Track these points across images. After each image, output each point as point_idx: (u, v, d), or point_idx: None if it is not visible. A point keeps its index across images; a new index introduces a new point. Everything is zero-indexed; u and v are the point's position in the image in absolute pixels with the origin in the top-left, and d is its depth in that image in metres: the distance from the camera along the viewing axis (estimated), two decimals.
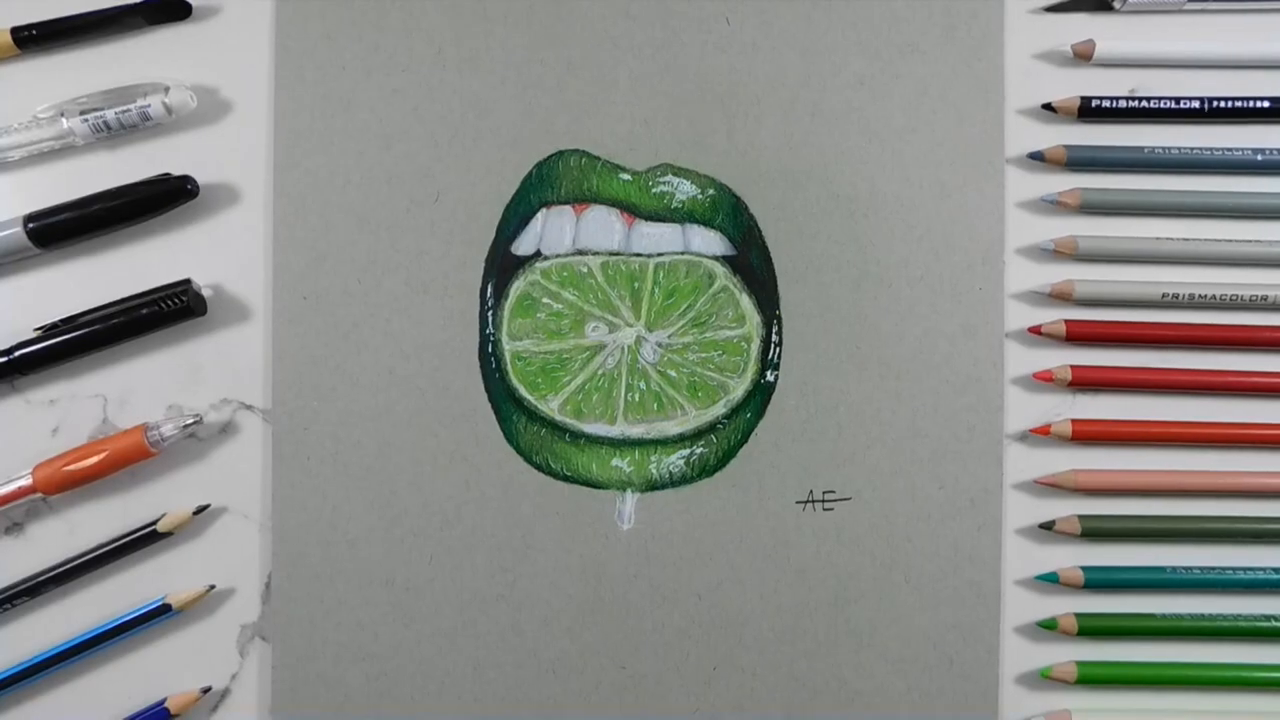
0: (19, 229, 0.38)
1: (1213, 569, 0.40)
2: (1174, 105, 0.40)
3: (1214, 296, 0.40)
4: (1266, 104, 0.40)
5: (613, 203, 0.41)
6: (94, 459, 0.38)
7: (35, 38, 0.39)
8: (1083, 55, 0.41)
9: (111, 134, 0.39)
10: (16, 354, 0.38)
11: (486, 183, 0.40)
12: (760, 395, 0.40)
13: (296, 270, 0.40)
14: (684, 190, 0.40)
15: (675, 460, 0.40)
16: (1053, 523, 0.40)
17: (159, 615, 0.39)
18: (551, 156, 0.40)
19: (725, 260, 0.41)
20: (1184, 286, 0.40)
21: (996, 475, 0.40)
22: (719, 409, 0.40)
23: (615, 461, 0.40)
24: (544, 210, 0.41)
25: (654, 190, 0.40)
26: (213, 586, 0.40)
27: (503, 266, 0.40)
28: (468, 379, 0.40)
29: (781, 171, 0.40)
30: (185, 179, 0.39)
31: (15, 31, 0.39)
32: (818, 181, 0.40)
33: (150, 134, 0.40)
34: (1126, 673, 0.40)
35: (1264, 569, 0.40)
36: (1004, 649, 0.40)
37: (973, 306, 0.40)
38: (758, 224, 0.40)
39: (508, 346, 0.40)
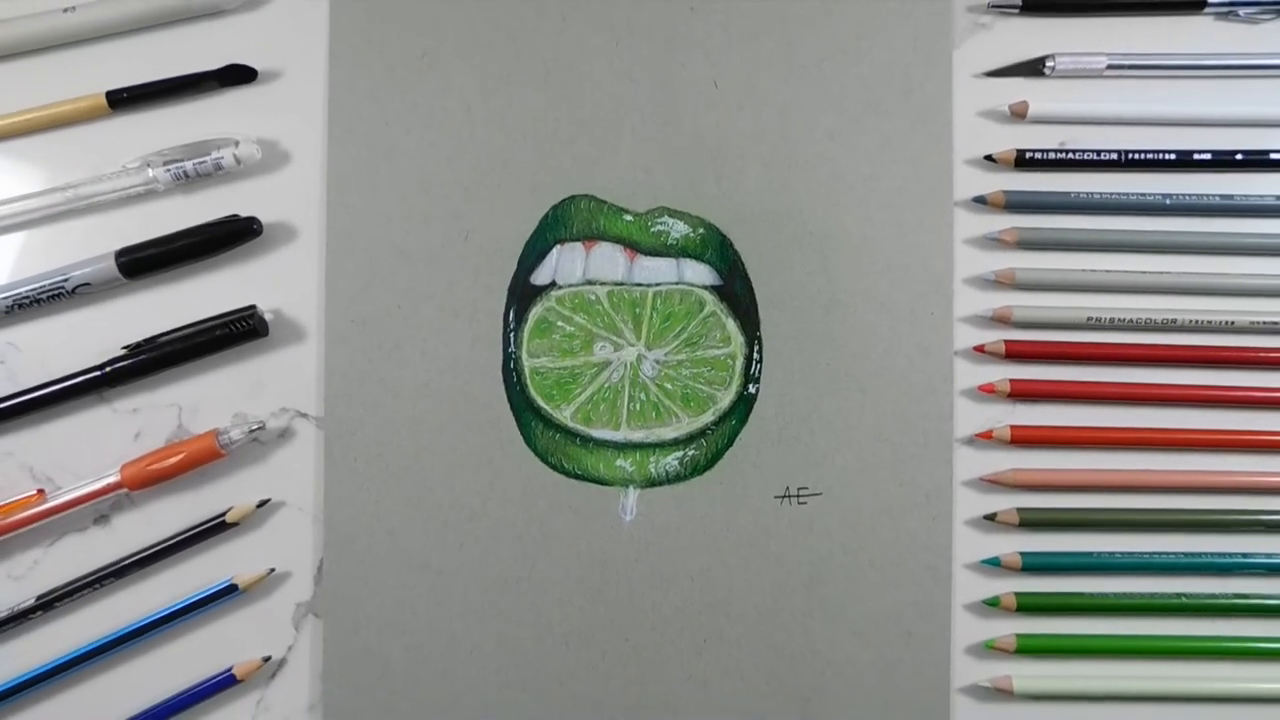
0: (111, 262, 0.41)
1: (1133, 554, 0.42)
2: (1096, 157, 0.43)
3: (1131, 319, 0.42)
4: (1173, 156, 0.43)
5: (617, 240, 0.43)
6: (173, 459, 0.41)
7: (126, 99, 0.42)
8: (1018, 114, 0.43)
9: (189, 181, 0.42)
10: (107, 369, 0.41)
11: (509, 223, 0.43)
12: (744, 405, 0.43)
13: (346, 297, 0.42)
14: (678, 229, 0.43)
15: (671, 461, 0.43)
16: (995, 515, 0.42)
17: (226, 594, 0.41)
18: (565, 200, 0.43)
19: (713, 289, 0.43)
20: (1106, 311, 0.43)
21: (947, 474, 0.43)
22: (708, 417, 0.43)
23: (619, 462, 0.43)
24: (558, 246, 0.43)
25: (652, 229, 0.43)
26: (272, 570, 0.42)
27: (523, 295, 0.43)
28: (492, 391, 0.43)
29: (762, 213, 0.43)
30: (251, 219, 0.42)
31: (110, 95, 0.42)
32: (793, 221, 0.43)
33: (221, 181, 0.43)
34: (1059, 643, 0.42)
35: (1176, 553, 0.42)
36: (955, 624, 0.43)
37: (926, 329, 0.43)
38: (741, 258, 0.43)
39: (527, 363, 0.43)
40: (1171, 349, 0.43)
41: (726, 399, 0.43)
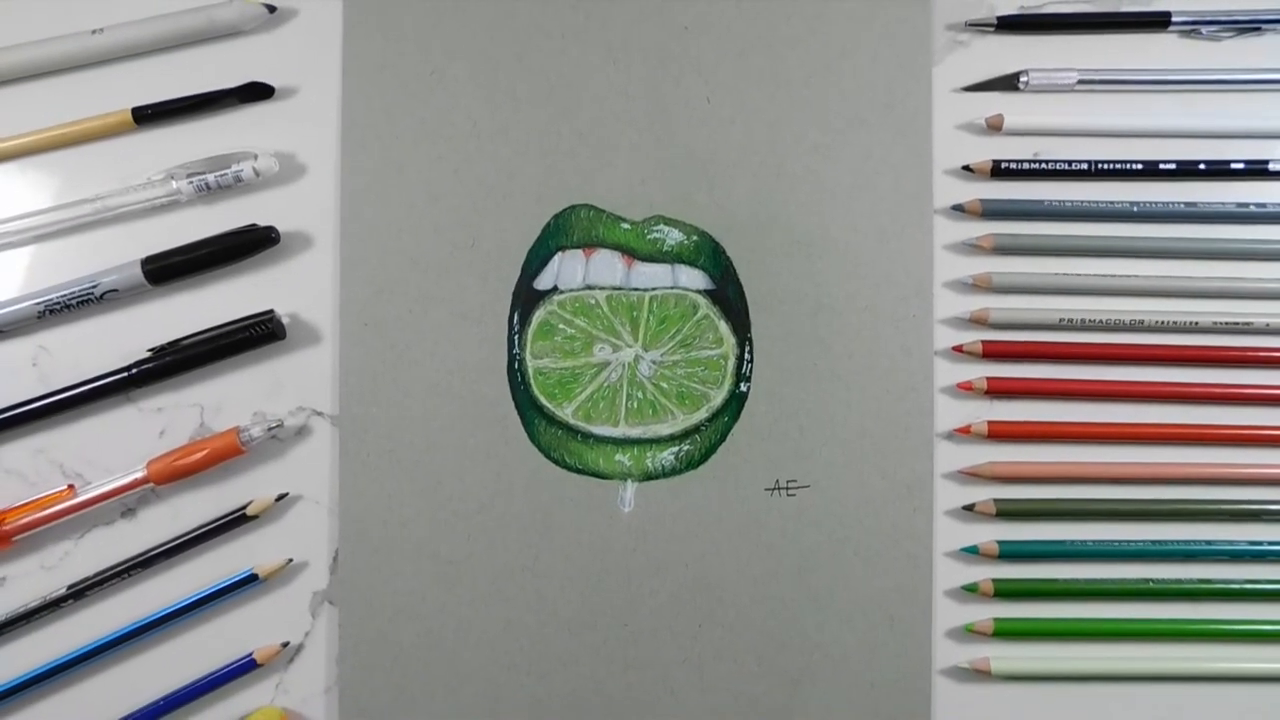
0: (137, 269, 0.42)
1: (1103, 542, 0.44)
2: (1067, 167, 0.44)
3: (1102, 320, 0.44)
4: (1139, 166, 0.44)
5: (615, 247, 0.44)
6: (197, 455, 0.42)
7: (151, 115, 0.43)
8: (994, 126, 0.45)
9: (211, 192, 0.43)
10: (134, 370, 0.42)
11: (513, 231, 0.44)
12: (735, 403, 0.44)
13: (359, 302, 0.44)
14: (673, 237, 0.44)
15: (667, 456, 0.44)
16: (973, 505, 0.44)
17: (247, 583, 0.43)
18: (566, 209, 0.44)
19: (707, 293, 0.44)
20: (1077, 312, 0.44)
21: (928, 466, 0.44)
22: (702, 414, 0.44)
23: (618, 457, 0.44)
24: (560, 253, 0.44)
25: (649, 237, 0.44)
26: (291, 560, 0.44)
27: (526, 299, 0.44)
28: (498, 390, 0.44)
29: (753, 221, 0.44)
30: (269, 229, 0.43)
31: (135, 111, 0.43)
32: (782, 229, 0.44)
33: (241, 192, 0.44)
34: (1034, 626, 0.44)
35: (1144, 541, 0.44)
36: (935, 609, 0.44)
37: (908, 330, 0.44)
38: (733, 264, 0.44)
39: (530, 364, 0.44)
40: (1139, 348, 0.45)
41: (719, 397, 0.45)
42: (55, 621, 0.43)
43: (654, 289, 0.45)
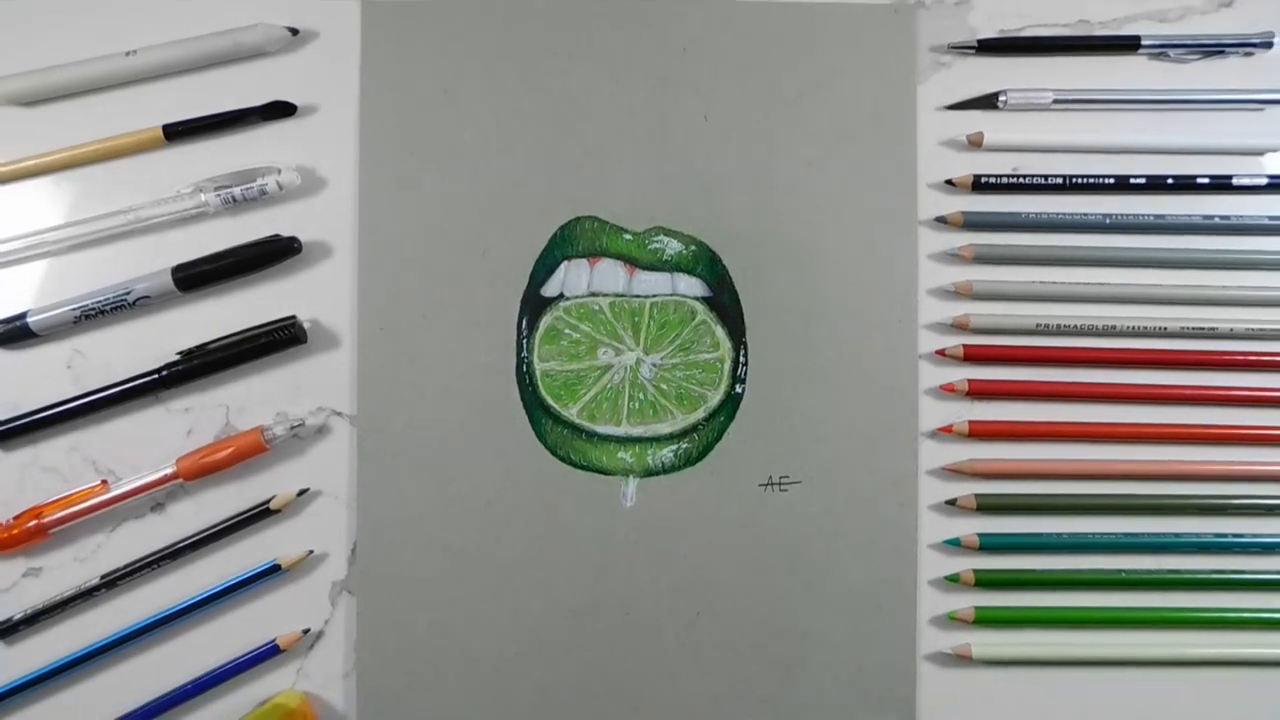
0: (167, 277, 0.44)
1: (1079, 534, 0.46)
2: (1044, 181, 0.46)
3: (1076, 325, 0.46)
4: (1111, 180, 0.46)
5: (618, 256, 0.46)
6: (223, 453, 0.44)
7: (180, 132, 0.45)
8: (975, 143, 0.46)
9: (237, 204, 0.45)
10: (163, 373, 0.44)
11: (521, 241, 0.46)
12: (731, 403, 0.46)
13: (377, 308, 0.45)
14: (673, 247, 0.46)
15: (666, 453, 0.46)
16: (955, 500, 0.46)
17: (270, 574, 0.45)
18: (571, 221, 0.46)
19: (704, 300, 0.46)
20: (1053, 318, 0.46)
21: (913, 463, 0.46)
22: (700, 414, 0.46)
23: (620, 454, 0.46)
24: (565, 262, 0.46)
25: (650, 247, 0.46)
26: (311, 551, 0.45)
27: (534, 306, 0.46)
28: (507, 391, 0.45)
29: (748, 232, 0.46)
30: (291, 239, 0.45)
31: (166, 128, 0.45)
32: (775, 239, 0.46)
33: (265, 204, 0.46)
34: (1013, 614, 0.46)
35: (1116, 534, 0.46)
36: (920, 598, 0.46)
37: (893, 335, 0.46)
38: (729, 272, 0.46)
39: (538, 366, 0.46)
40: (1112, 352, 0.47)
41: (716, 398, 0.46)
42: (89, 610, 0.45)
43: (654, 296, 0.46)
